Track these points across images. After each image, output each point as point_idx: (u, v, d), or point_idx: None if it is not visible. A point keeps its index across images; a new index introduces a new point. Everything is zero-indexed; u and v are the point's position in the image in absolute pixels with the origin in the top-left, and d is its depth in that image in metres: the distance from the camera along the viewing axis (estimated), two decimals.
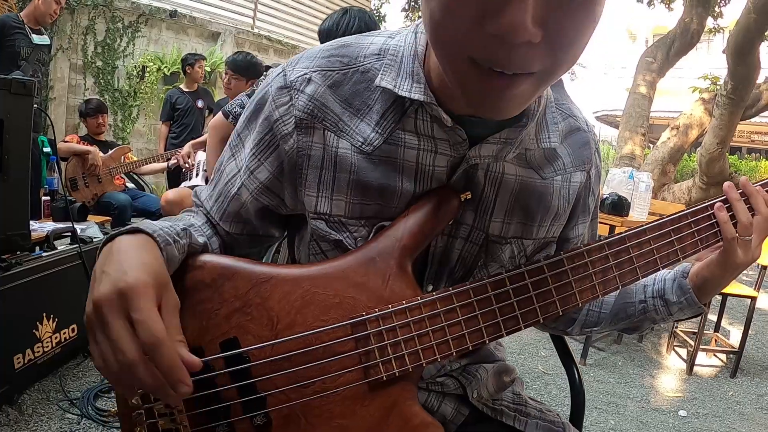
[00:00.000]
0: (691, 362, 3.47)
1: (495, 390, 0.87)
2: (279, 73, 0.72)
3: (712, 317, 4.00)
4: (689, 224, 0.73)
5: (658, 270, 0.72)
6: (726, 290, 3.50)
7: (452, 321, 0.65)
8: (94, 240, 2.47)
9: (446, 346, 0.65)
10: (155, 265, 0.58)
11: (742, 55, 4.79)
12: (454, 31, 0.49)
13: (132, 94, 6.48)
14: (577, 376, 1.04)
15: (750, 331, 3.52)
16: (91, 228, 2.60)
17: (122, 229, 0.62)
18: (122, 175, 4.12)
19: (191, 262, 0.67)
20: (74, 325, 2.37)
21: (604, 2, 0.49)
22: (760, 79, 5.42)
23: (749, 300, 3.47)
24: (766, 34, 5.03)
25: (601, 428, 2.62)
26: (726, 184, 0.76)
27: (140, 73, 6.47)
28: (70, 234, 2.40)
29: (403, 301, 0.66)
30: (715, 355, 3.82)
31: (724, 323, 4.10)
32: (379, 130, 0.68)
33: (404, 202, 0.69)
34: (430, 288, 0.75)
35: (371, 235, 0.70)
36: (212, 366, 0.63)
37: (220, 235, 0.79)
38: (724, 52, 5.19)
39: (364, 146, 0.68)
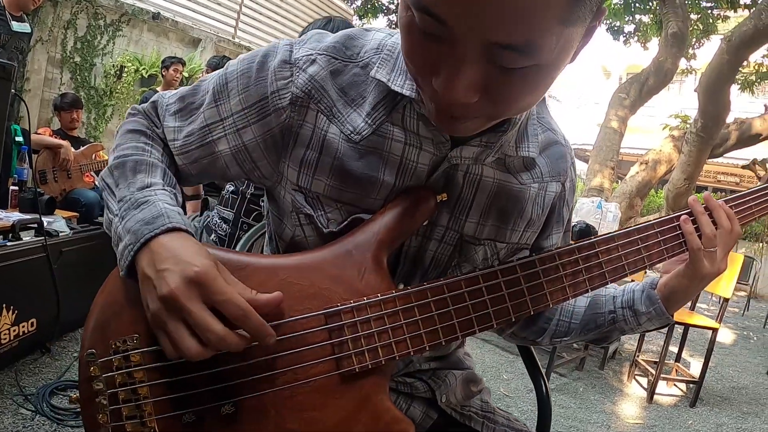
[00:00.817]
0: (651, 390, 3.52)
1: (462, 397, 0.88)
2: (286, 46, 0.73)
3: (673, 348, 4.08)
4: (656, 234, 0.76)
5: (626, 275, 0.75)
6: (688, 321, 3.58)
7: (426, 315, 0.66)
8: (60, 234, 2.41)
9: (419, 339, 0.65)
10: (203, 249, 0.62)
11: (713, 94, 4.97)
12: (413, 68, 0.56)
13: (108, 93, 6.37)
14: (544, 388, 1.05)
15: (709, 363, 3.60)
16: (57, 222, 2.53)
17: (150, 231, 0.62)
18: (92, 173, 4.04)
19: None
20: (33, 320, 2.29)
21: (555, 74, 0.53)
22: (730, 119, 5.63)
23: (710, 331, 3.55)
24: (737, 77, 5.26)
25: None
26: (691, 198, 0.80)
27: (118, 72, 6.37)
28: (36, 225, 2.33)
29: (378, 294, 0.66)
30: (675, 384, 3.89)
31: (684, 354, 4.19)
32: (369, 121, 0.69)
33: (383, 194, 0.70)
34: (401, 287, 0.75)
35: (345, 223, 0.71)
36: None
37: (174, 165, 0.78)
38: (696, 90, 5.38)
39: (352, 135, 0.69)
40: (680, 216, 0.78)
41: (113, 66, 6.34)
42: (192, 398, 0.62)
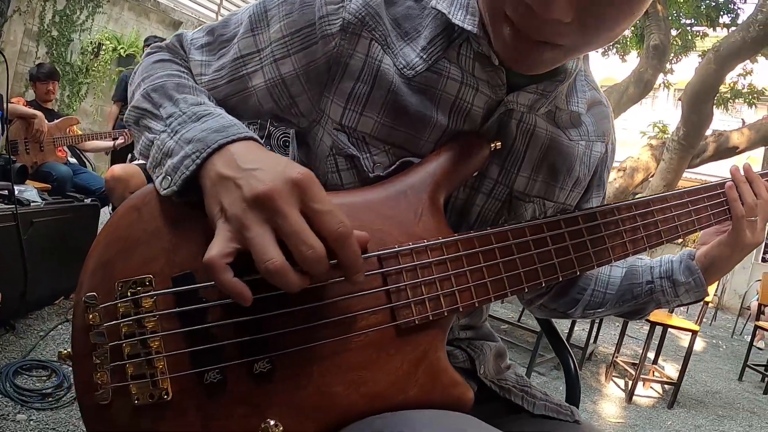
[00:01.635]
0: (630, 391, 3.52)
1: (494, 372, 0.81)
2: None
3: (650, 354, 4.11)
4: (703, 198, 0.77)
5: (679, 236, 0.75)
6: (668, 322, 3.60)
7: (490, 263, 0.59)
8: (32, 203, 2.25)
9: (484, 289, 0.58)
10: None
11: (697, 104, 5.02)
12: None
13: (84, 70, 6.16)
14: (572, 364, 0.99)
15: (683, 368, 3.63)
16: (29, 191, 2.37)
17: (224, 137, 0.54)
18: (65, 148, 3.85)
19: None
20: None
21: (643, 8, 0.51)
22: (708, 132, 5.72)
23: (685, 336, 3.58)
24: (720, 88, 5.33)
25: None
26: (732, 166, 0.81)
27: (95, 50, 6.17)
28: (6, 193, 2.17)
29: (440, 237, 0.58)
30: (651, 386, 3.91)
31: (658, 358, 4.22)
32: (425, 56, 0.64)
33: (434, 137, 0.65)
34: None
35: (394, 167, 0.65)
36: (203, 296, 0.52)
37: None
38: (680, 99, 5.43)
39: (405, 70, 0.64)
40: (725, 183, 0.79)
41: (91, 43, 6.15)
42: (217, 353, 0.51)
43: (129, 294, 0.52)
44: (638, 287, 0.82)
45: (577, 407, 0.95)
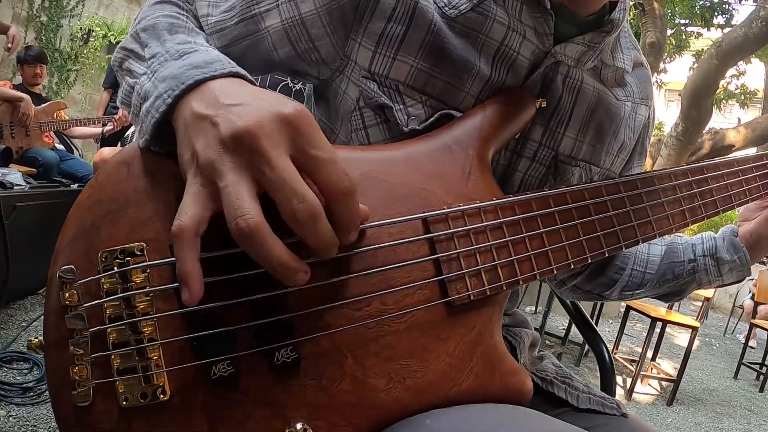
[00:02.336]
0: (630, 388, 3.47)
1: (530, 363, 0.73)
2: None
3: (648, 352, 4.07)
4: (752, 168, 0.71)
5: (733, 207, 0.69)
6: (669, 318, 3.55)
7: (550, 228, 0.51)
8: (15, 187, 2.13)
9: (545, 259, 0.50)
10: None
11: (697, 99, 4.99)
12: None
13: (73, 57, 6.01)
14: (606, 351, 0.92)
15: (678, 366, 3.59)
16: (13, 174, 2.25)
17: (203, 73, 0.44)
18: (52, 134, 3.72)
19: None
20: None
21: None
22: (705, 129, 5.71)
23: (678, 334, 3.54)
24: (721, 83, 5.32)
25: None
26: None
27: (85, 36, 6.01)
28: None
29: (494, 198, 0.48)
30: (649, 384, 3.87)
31: (650, 355, 4.18)
32: None
33: (475, 88, 0.58)
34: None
35: (431, 120, 0.56)
36: (213, 270, 0.41)
37: None
38: (680, 94, 5.41)
39: (447, 9, 0.57)
40: None
41: (81, 29, 6.01)
42: (227, 340, 0.41)
43: (115, 266, 0.41)
44: (680, 266, 0.77)
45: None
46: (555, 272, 0.50)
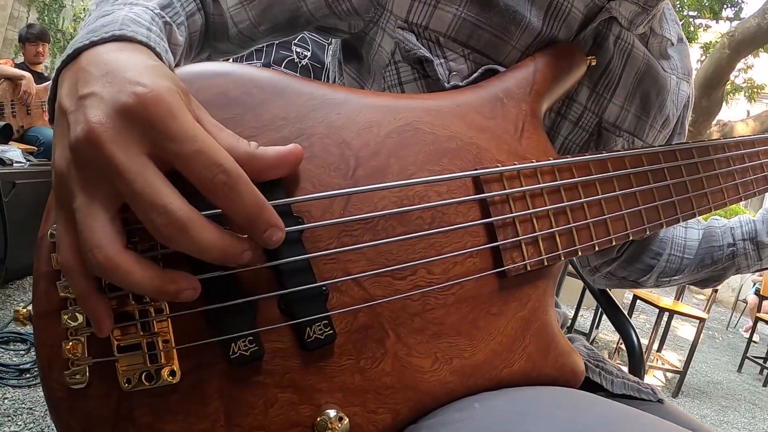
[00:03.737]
0: None
1: None
2: None
3: (654, 344, 4.05)
4: None
5: None
6: (676, 309, 3.51)
7: (608, 195, 0.46)
8: (15, 164, 2.07)
9: (603, 228, 0.45)
10: (166, 68, 0.35)
11: (709, 89, 4.94)
12: None
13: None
14: (635, 336, 0.89)
15: (683, 358, 3.56)
16: (12, 151, 2.19)
17: (82, 40, 0.35)
18: None
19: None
20: None
21: None
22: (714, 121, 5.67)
23: (698, 321, 3.52)
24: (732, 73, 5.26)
25: None
26: None
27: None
28: None
29: (549, 158, 0.43)
30: (654, 374, 3.84)
31: (655, 347, 4.15)
32: None
33: (523, 43, 0.53)
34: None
35: (476, 75, 0.51)
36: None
37: (206, 14, 0.52)
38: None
39: None
40: None
41: (84, 9, 5.95)
42: (249, 313, 0.35)
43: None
44: (719, 251, 0.74)
45: None
46: (613, 243, 0.45)
